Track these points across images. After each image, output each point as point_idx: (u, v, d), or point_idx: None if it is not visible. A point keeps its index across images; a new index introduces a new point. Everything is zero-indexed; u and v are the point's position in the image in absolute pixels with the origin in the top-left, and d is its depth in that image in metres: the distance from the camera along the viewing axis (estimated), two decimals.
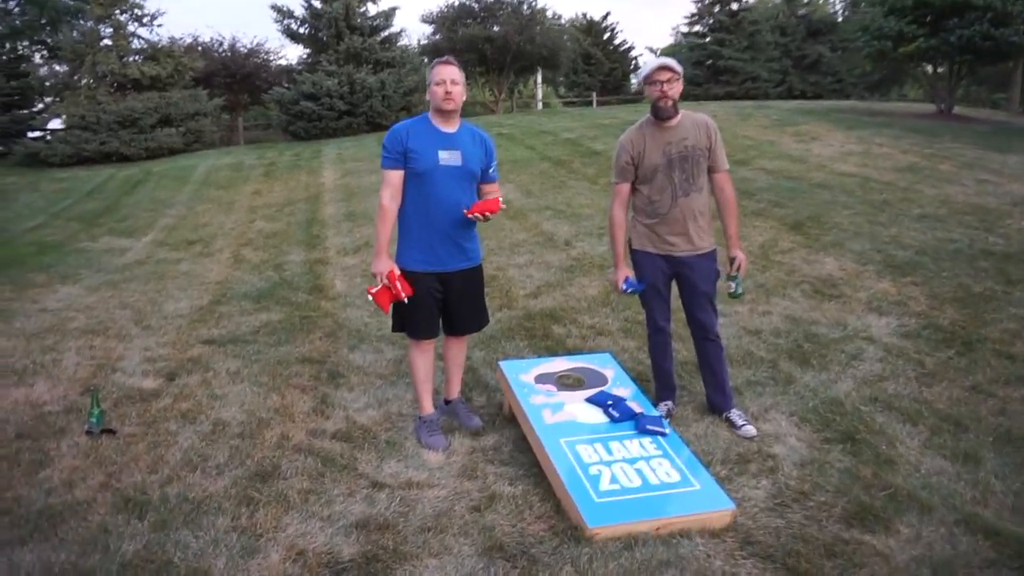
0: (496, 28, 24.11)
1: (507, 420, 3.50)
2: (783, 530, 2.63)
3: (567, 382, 3.46)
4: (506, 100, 28.39)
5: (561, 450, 2.87)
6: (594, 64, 30.09)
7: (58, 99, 21.90)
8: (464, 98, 3.08)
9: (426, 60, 24.00)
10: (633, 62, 30.98)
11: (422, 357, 3.29)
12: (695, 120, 3.43)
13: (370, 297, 3.08)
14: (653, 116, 3.35)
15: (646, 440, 2.98)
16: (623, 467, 2.79)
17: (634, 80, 31.33)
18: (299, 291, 6.00)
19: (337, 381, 3.99)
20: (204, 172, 14.09)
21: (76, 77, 19.81)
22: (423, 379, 3.31)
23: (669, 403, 3.62)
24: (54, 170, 16.95)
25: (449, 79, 2.99)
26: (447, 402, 3.54)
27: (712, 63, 26.63)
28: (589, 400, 3.23)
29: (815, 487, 2.93)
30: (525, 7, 24.68)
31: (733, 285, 3.42)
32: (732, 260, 3.42)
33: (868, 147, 11.08)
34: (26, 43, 23.07)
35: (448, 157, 3.05)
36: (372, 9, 20.46)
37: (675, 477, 2.76)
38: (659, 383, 3.65)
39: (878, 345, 4.35)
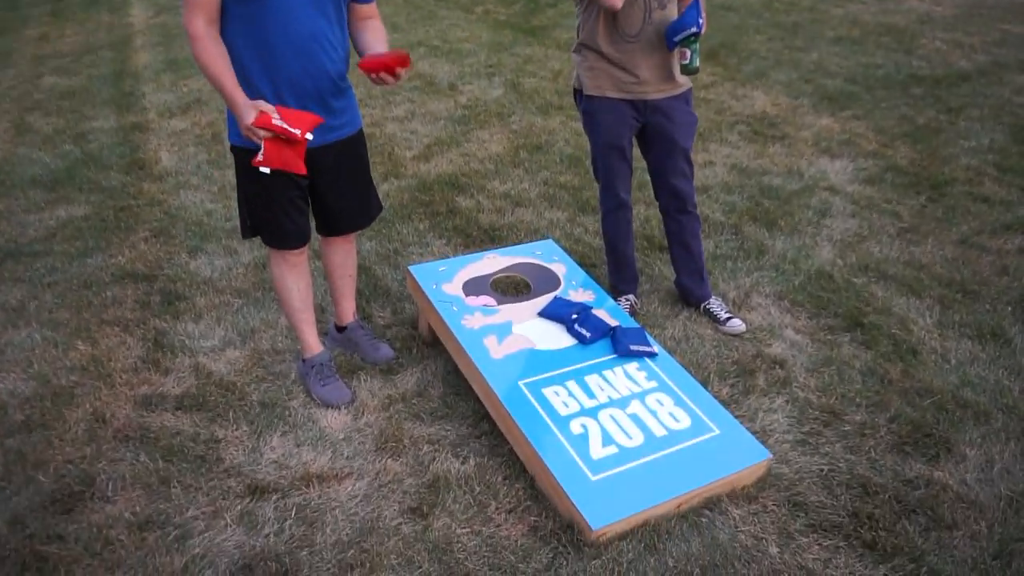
0: None
1: (426, 344, 2.58)
2: (831, 477, 1.97)
3: (507, 288, 2.54)
4: None
5: (523, 399, 2.00)
6: None
7: None
8: None
9: None
10: None
11: (293, 273, 2.22)
12: None
13: (265, 170, 1.87)
14: None
15: (632, 366, 2.17)
16: (613, 415, 1.98)
17: None
18: (111, 170, 4.51)
19: (176, 307, 2.83)
20: None
21: None
22: (300, 306, 2.26)
23: (631, 297, 2.82)
24: None
25: None
26: (339, 329, 2.54)
27: None
28: (544, 314, 2.35)
29: (843, 400, 2.28)
30: None
31: (688, 52, 2.36)
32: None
33: None
34: None
35: None
36: None
37: (684, 421, 1.99)
38: (618, 272, 2.81)
39: (843, 196, 3.72)
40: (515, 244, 3.29)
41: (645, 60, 2.41)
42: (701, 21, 2.30)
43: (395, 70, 1.86)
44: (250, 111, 1.80)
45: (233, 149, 2.04)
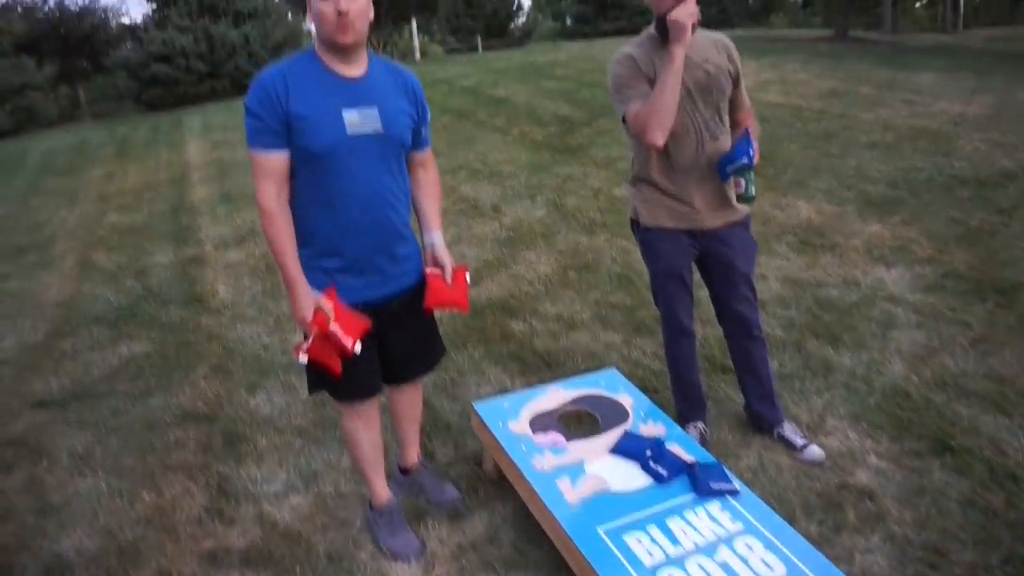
0: None
1: (492, 481, 2.49)
2: None
3: (575, 424, 2.48)
4: (384, 53, 26.40)
5: (605, 548, 1.89)
6: (476, 6, 28.42)
7: None
8: (371, 19, 1.87)
9: (295, 10, 21.71)
10: (516, 3, 29.51)
11: (366, 427, 2.17)
12: (712, 38, 2.44)
13: (302, 359, 1.86)
14: (660, 33, 2.32)
15: (714, 507, 2.06)
16: (702, 564, 1.85)
17: (521, 21, 29.92)
18: (171, 305, 4.66)
19: (237, 449, 2.81)
20: (39, 158, 11.88)
21: None
22: (372, 459, 2.20)
23: (700, 424, 2.72)
24: None
25: None
26: (404, 471, 2.47)
27: None
28: (617, 451, 2.26)
29: (946, 537, 2.12)
30: None
31: (743, 183, 2.37)
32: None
33: (783, 74, 10.54)
34: None
35: (359, 121, 1.86)
36: None
37: (779, 569, 1.85)
38: (684, 400, 2.74)
39: (905, 306, 3.63)
40: (572, 370, 3.26)
41: (700, 190, 2.43)
42: (752, 152, 2.33)
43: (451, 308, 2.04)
44: (309, 306, 1.85)
45: None
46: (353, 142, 1.85)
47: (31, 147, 12.99)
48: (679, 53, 2.20)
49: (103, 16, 21.19)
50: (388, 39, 28.84)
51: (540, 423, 2.41)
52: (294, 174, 1.87)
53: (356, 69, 1.89)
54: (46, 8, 20.31)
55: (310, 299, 1.86)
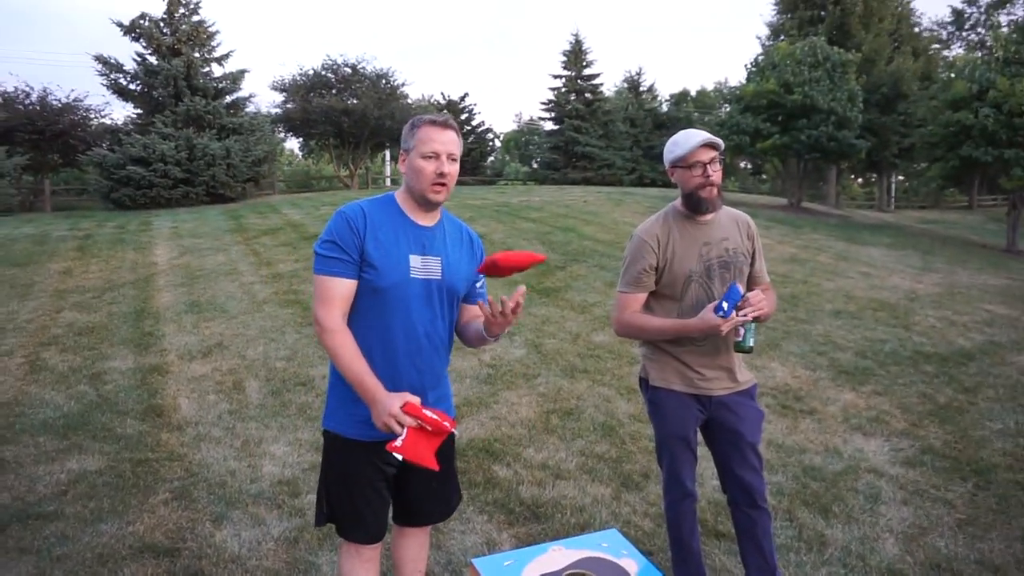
0: (354, 101, 23.08)
1: None
2: None
3: None
4: (357, 175, 27.25)
5: None
6: None
7: None
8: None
9: (279, 129, 22.37)
10: (490, 144, 31.22)
11: (365, 570, 2.04)
12: (733, 216, 2.57)
13: (399, 457, 1.75)
14: (689, 209, 2.45)
15: None
16: None
17: (490, 159, 31.51)
18: (127, 416, 4.38)
19: None
20: None
21: None
22: None
23: None
24: None
25: (446, 153, 1.89)
26: None
27: (568, 148, 27.28)
28: None
29: None
30: (383, 82, 23.98)
31: (741, 331, 2.38)
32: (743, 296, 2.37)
33: None
34: None
35: (422, 266, 1.94)
36: (218, 70, 18.75)
37: None
38: (684, 567, 2.62)
39: (889, 480, 3.64)
40: (563, 524, 3.13)
41: (710, 362, 2.47)
42: (735, 298, 2.30)
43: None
44: (395, 399, 1.77)
45: (326, 435, 2.00)
46: (413, 283, 1.91)
47: None
48: (697, 330, 2.33)
49: (84, 114, 21.45)
50: (363, 164, 29.91)
51: None
52: (353, 301, 1.91)
53: (430, 220, 1.99)
54: (28, 101, 20.50)
55: (395, 396, 1.78)
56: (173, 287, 8.20)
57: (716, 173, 2.40)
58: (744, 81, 15.89)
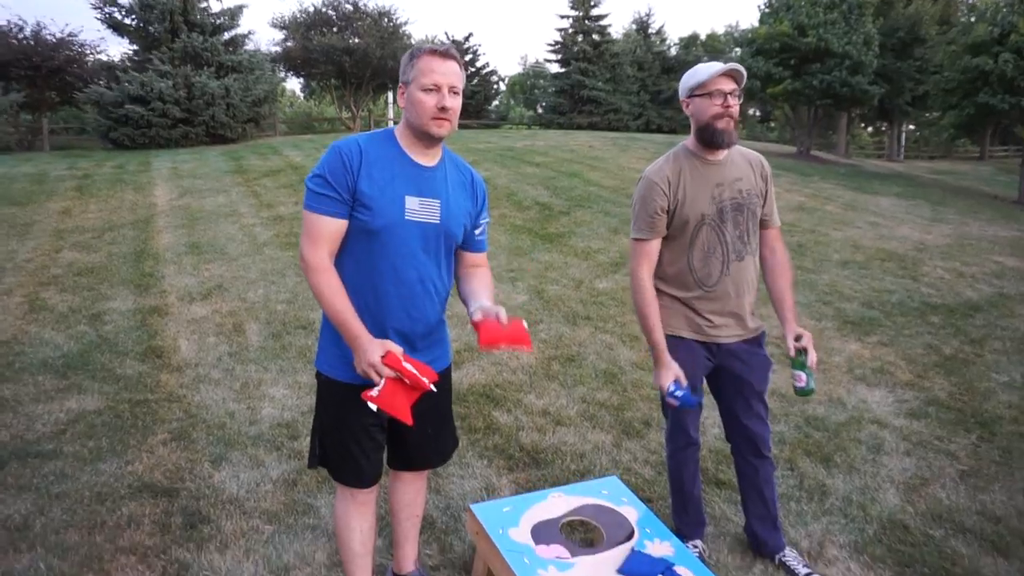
0: (356, 40, 22.48)
1: None
2: None
3: (580, 536, 2.32)
4: (359, 117, 26.79)
5: None
6: None
7: None
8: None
9: (279, 68, 21.87)
10: (495, 86, 30.54)
11: (359, 513, 2.02)
12: (746, 155, 2.47)
13: (373, 407, 1.71)
14: (702, 143, 2.33)
15: None
16: None
17: (495, 103, 30.93)
18: (126, 357, 4.36)
19: (200, 531, 2.54)
20: None
21: None
22: (360, 551, 2.03)
23: (699, 543, 2.60)
24: None
25: (448, 85, 1.77)
26: None
27: (574, 92, 26.69)
28: (625, 571, 2.11)
29: None
30: (386, 20, 23.32)
31: (803, 376, 2.41)
32: (798, 339, 2.43)
33: None
34: None
35: (419, 208, 1.83)
36: (215, 5, 18.22)
37: None
38: (684, 514, 2.61)
39: (892, 431, 3.62)
40: (562, 470, 3.12)
41: (719, 307, 2.40)
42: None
43: (506, 346, 1.79)
44: (376, 347, 1.70)
45: (319, 376, 1.95)
46: (408, 226, 1.82)
47: None
48: (660, 376, 2.34)
49: (80, 50, 20.94)
50: (365, 105, 29.41)
51: (542, 533, 2.24)
52: (344, 240, 1.82)
53: (431, 159, 1.88)
54: (21, 35, 19.99)
55: (376, 343, 1.72)
56: (173, 228, 8.11)
57: (735, 105, 2.28)
58: (757, 24, 15.40)
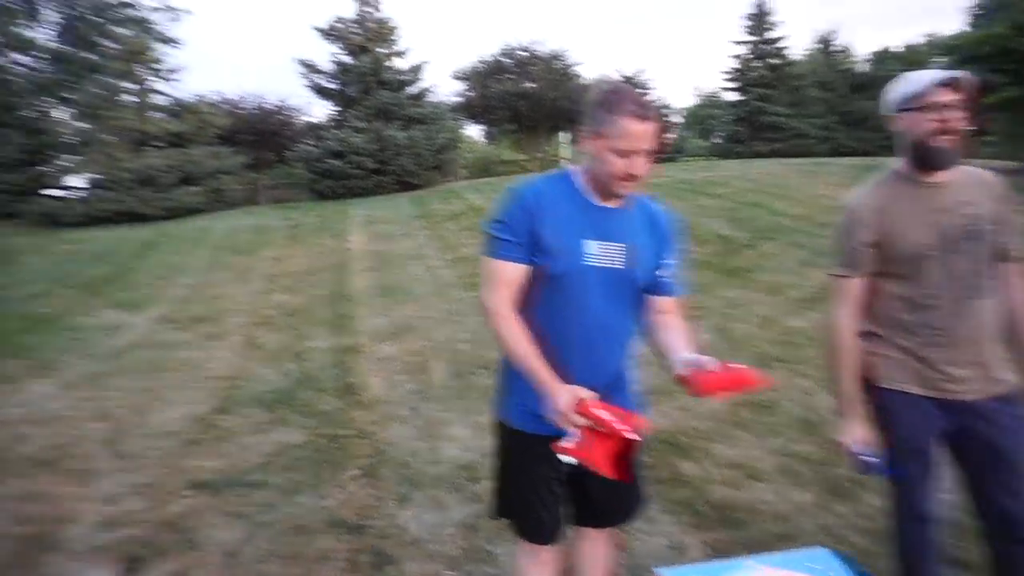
0: (530, 84, 23.33)
1: None
2: None
3: None
4: (536, 159, 27.58)
5: None
6: None
7: (80, 157, 21.28)
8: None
9: (458, 117, 23.21)
10: (669, 119, 30.17)
11: (540, 573, 1.93)
12: (975, 176, 2.09)
13: (571, 460, 1.61)
14: (916, 164, 2.02)
15: None
16: None
17: (671, 136, 30.45)
18: (325, 393, 4.67)
19: (385, 573, 2.59)
20: (223, 234, 13.04)
21: (98, 134, 19.16)
22: None
23: None
24: (67, 231, 16.06)
25: (644, 148, 1.66)
26: None
27: (754, 119, 25.59)
28: None
29: None
30: (557, 63, 23.97)
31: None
32: None
33: None
34: (50, 100, 22.48)
35: (600, 252, 1.73)
36: (401, 64, 19.78)
37: None
38: None
39: None
40: (760, 533, 2.82)
41: (957, 356, 2.02)
42: None
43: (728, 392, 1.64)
44: (566, 394, 1.60)
45: (499, 426, 1.90)
46: (587, 271, 1.73)
47: (217, 224, 14.33)
48: None
49: (290, 114, 23.69)
50: (540, 147, 30.22)
51: None
52: (526, 286, 1.77)
53: (614, 201, 1.78)
54: (249, 107, 23.03)
55: (566, 389, 1.62)
56: (366, 271, 8.74)
57: (957, 120, 1.95)
58: (967, 28, 13.84)
